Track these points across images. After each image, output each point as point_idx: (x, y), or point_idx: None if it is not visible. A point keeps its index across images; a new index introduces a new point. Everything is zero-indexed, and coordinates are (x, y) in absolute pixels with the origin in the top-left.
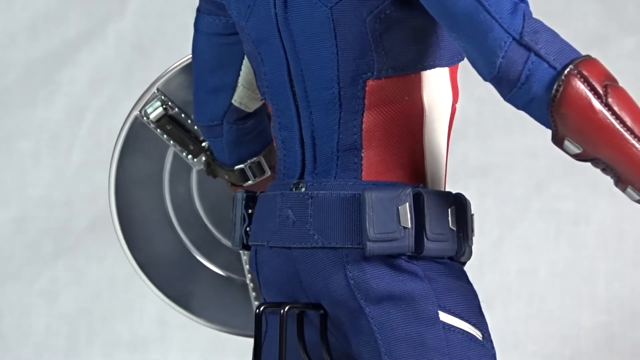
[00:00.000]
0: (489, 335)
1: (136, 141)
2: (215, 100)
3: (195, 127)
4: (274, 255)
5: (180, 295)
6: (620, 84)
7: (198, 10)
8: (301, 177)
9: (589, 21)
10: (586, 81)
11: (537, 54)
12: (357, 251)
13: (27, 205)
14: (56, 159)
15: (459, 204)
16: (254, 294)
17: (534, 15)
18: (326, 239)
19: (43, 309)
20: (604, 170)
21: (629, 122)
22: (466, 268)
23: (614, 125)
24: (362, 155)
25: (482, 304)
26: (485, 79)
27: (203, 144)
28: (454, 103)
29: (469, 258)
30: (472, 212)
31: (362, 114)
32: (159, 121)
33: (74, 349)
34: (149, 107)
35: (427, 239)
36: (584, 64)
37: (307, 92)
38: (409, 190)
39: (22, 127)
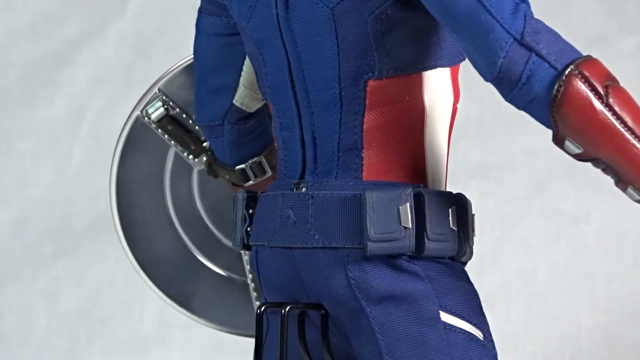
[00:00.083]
0: (490, 335)
1: (137, 141)
2: (216, 101)
3: (197, 127)
4: (275, 255)
5: (181, 295)
6: (621, 84)
7: (199, 10)
8: (302, 177)
9: (589, 21)
10: (587, 81)
11: (538, 54)
12: (357, 251)
13: (28, 205)
14: (56, 159)
15: (460, 204)
16: (255, 294)
17: (535, 16)
18: (327, 239)
19: (43, 309)
20: (604, 170)
21: (629, 122)
22: (466, 268)
23: (615, 126)
24: (363, 155)
25: (482, 304)
26: (486, 79)
27: (204, 144)
28: (455, 103)
29: (469, 258)
30: (473, 212)
31: (363, 114)
32: (160, 121)
33: (74, 349)
34: (150, 107)
35: (427, 239)
36: (585, 64)
37: (308, 92)
38: (409, 190)
39: (22, 127)
